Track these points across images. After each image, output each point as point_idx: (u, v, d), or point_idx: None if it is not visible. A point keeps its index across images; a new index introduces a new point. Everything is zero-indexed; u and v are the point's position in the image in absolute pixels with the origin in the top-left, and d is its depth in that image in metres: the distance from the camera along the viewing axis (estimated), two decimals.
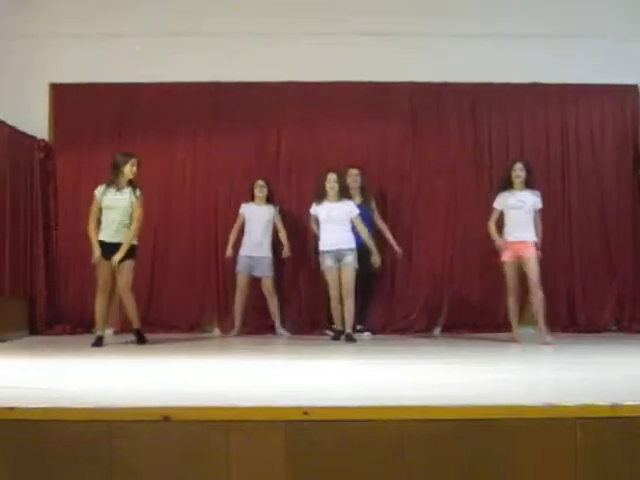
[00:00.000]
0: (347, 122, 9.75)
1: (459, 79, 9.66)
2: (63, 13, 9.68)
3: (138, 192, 8.01)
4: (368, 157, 9.54)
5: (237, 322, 9.24)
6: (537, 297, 8.22)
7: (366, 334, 9.01)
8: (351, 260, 8.49)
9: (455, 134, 9.82)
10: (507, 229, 8.38)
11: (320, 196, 8.66)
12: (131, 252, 7.98)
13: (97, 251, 7.93)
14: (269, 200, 9.30)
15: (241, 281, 9.21)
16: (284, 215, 9.45)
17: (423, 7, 9.66)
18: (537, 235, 8.37)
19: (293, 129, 9.81)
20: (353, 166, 9.19)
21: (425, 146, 9.82)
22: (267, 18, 9.61)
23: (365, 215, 8.94)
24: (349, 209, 8.60)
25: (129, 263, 7.96)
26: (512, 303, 8.40)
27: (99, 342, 7.96)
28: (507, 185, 8.43)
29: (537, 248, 8.33)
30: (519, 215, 8.30)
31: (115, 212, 7.94)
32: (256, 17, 9.63)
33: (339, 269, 8.50)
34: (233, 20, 9.61)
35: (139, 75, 9.58)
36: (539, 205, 8.39)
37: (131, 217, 7.98)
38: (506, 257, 8.32)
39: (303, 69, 9.53)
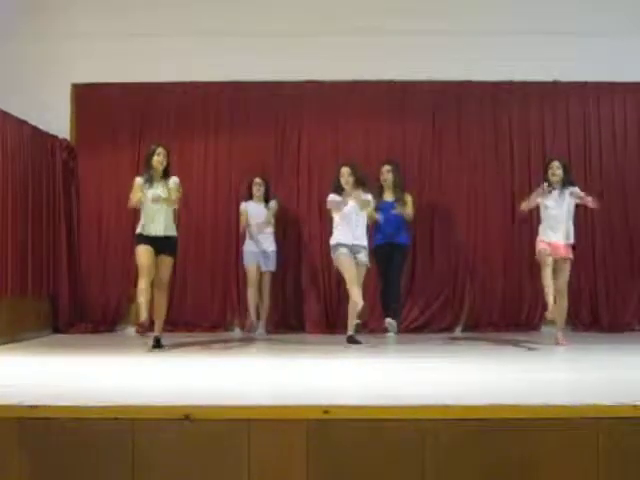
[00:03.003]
0: (367, 121, 9.74)
1: (479, 78, 9.62)
2: (84, 13, 9.72)
3: (177, 180, 7.83)
4: (388, 156, 9.49)
5: (253, 318, 9.06)
6: (562, 302, 8.04)
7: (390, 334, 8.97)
8: (365, 259, 8.29)
9: (475, 133, 9.78)
10: (544, 228, 8.10)
11: (338, 191, 8.37)
12: (174, 246, 7.85)
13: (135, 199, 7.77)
14: (267, 198, 9.24)
15: (252, 273, 9.06)
16: (302, 217, 9.46)
17: (443, 6, 9.64)
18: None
19: (313, 128, 9.81)
20: (387, 162, 9.13)
21: (445, 145, 9.79)
22: (285, 18, 9.63)
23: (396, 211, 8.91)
24: (366, 196, 8.35)
25: (170, 260, 7.80)
26: (546, 273, 7.87)
27: (158, 344, 7.78)
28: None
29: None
30: (557, 216, 8.03)
31: (156, 206, 7.70)
32: (275, 17, 9.64)
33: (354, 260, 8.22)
34: (253, 21, 9.63)
35: (160, 75, 9.61)
36: (577, 200, 8.06)
37: (171, 210, 7.82)
38: (542, 246, 7.98)
39: (323, 69, 9.53)
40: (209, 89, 9.79)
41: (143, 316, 7.63)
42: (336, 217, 8.39)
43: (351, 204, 8.33)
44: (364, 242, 8.33)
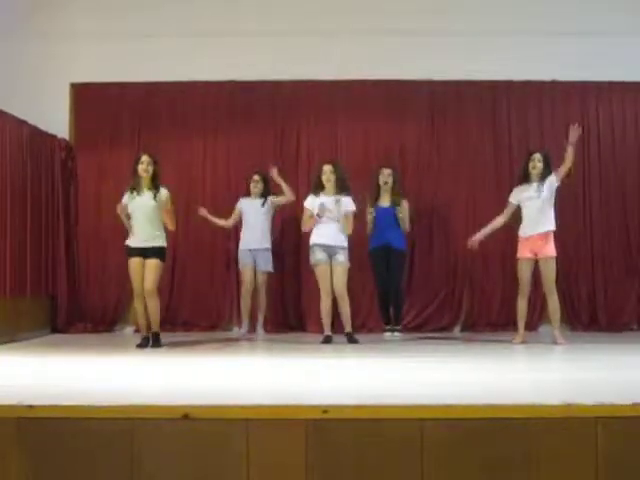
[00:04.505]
0: (366, 121, 9.74)
1: (478, 77, 9.61)
2: (83, 13, 9.73)
3: (163, 193, 7.83)
4: (387, 155, 9.50)
5: (245, 319, 9.10)
6: (552, 300, 8.07)
7: (397, 334, 8.95)
8: (343, 259, 8.31)
9: (474, 132, 9.79)
10: (525, 224, 8.11)
11: (317, 189, 8.48)
12: (161, 253, 7.85)
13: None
14: (265, 195, 9.18)
15: (246, 275, 9.03)
16: (301, 216, 9.43)
17: (442, 5, 9.63)
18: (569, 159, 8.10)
19: (312, 128, 9.81)
20: (387, 165, 9.10)
21: (444, 144, 9.79)
22: (284, 17, 9.64)
23: (392, 215, 8.87)
24: (346, 205, 8.38)
25: (158, 263, 7.79)
26: (521, 304, 8.12)
27: (146, 343, 7.83)
28: (524, 177, 8.18)
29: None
30: (537, 205, 8.02)
31: (142, 215, 7.78)
32: (274, 16, 9.65)
33: (330, 266, 8.30)
34: (251, 20, 9.64)
35: (159, 74, 9.61)
36: (556, 183, 8.06)
37: (160, 220, 7.85)
38: (522, 254, 8.07)
39: (322, 68, 9.53)
40: (208, 89, 9.79)
41: (145, 333, 7.92)
42: (316, 215, 8.43)
43: (329, 200, 8.33)
44: (344, 243, 8.37)
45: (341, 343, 8.17)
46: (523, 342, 8.07)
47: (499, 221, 8.31)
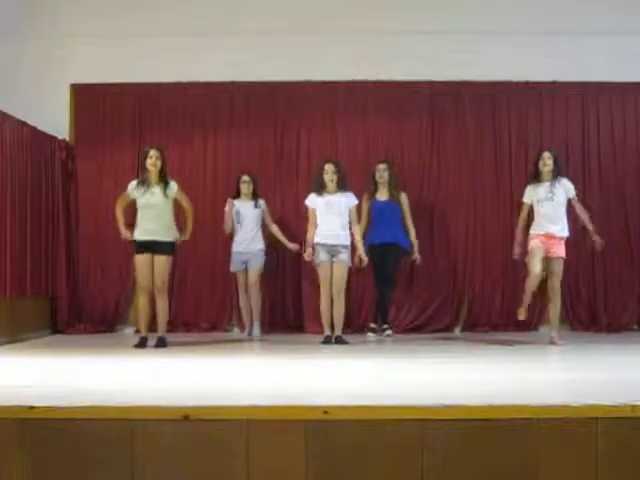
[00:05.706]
0: (366, 121, 9.75)
1: (478, 78, 9.62)
2: (83, 14, 9.73)
3: (175, 187, 7.85)
4: (387, 156, 9.50)
5: (246, 322, 9.12)
6: (555, 304, 8.01)
7: (387, 332, 8.95)
8: (345, 258, 8.30)
9: (474, 133, 9.79)
10: (537, 222, 8.02)
11: (319, 188, 8.46)
12: (170, 248, 7.86)
13: (123, 229, 7.79)
14: (255, 195, 9.15)
15: (241, 279, 9.06)
16: (301, 216, 9.44)
17: (442, 5, 9.64)
18: (587, 223, 8.12)
19: (312, 128, 9.81)
20: (381, 160, 9.14)
21: (444, 145, 9.80)
22: (284, 17, 9.64)
23: (391, 210, 8.92)
24: (349, 200, 8.41)
25: (167, 259, 7.81)
26: (533, 284, 7.83)
27: (143, 343, 7.83)
28: (535, 176, 8.14)
29: (592, 233, 8.13)
30: (549, 207, 7.96)
31: (152, 210, 7.79)
32: (273, 16, 9.65)
33: (332, 265, 8.29)
34: (252, 20, 9.63)
35: (159, 75, 9.61)
36: (572, 193, 8.05)
37: (170, 214, 7.88)
38: (534, 244, 7.88)
39: (323, 69, 9.53)
40: (208, 89, 9.79)
41: (144, 333, 7.92)
42: (319, 214, 8.42)
43: (332, 200, 8.33)
44: (346, 242, 8.36)
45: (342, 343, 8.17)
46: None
47: (522, 224, 8.18)
